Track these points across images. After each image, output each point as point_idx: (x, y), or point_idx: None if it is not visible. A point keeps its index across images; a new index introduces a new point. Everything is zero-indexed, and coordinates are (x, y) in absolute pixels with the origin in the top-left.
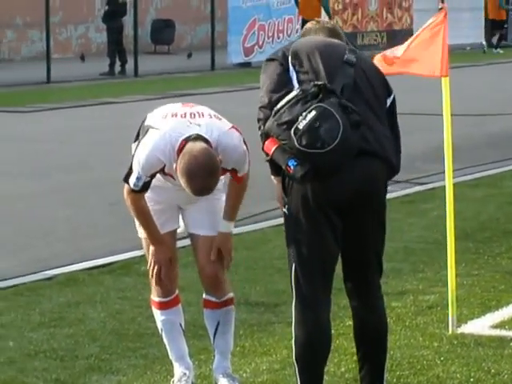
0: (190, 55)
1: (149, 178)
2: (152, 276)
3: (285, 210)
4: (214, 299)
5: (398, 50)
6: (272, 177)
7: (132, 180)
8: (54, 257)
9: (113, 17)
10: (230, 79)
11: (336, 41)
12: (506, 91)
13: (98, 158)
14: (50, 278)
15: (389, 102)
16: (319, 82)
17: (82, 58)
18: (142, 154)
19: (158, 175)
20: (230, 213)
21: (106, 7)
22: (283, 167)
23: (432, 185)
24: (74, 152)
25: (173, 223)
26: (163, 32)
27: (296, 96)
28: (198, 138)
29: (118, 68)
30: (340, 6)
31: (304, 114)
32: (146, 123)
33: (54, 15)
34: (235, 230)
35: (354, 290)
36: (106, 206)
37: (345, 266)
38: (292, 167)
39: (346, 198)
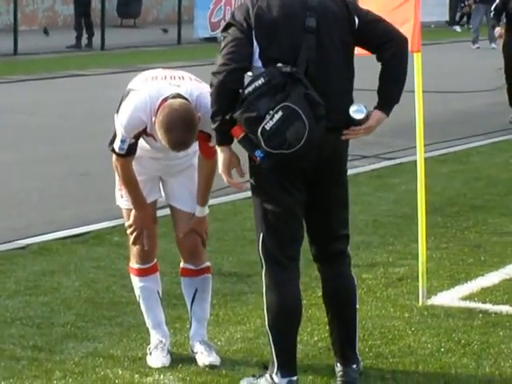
0: (165, 30)
1: (133, 140)
2: (134, 243)
3: (251, 180)
4: (191, 267)
5: None
6: (217, 146)
7: (117, 144)
8: (28, 227)
9: None
10: (196, 54)
11: None
12: (468, 69)
13: (66, 129)
14: (23, 248)
15: (356, 25)
16: (286, 70)
17: (46, 31)
18: (124, 116)
19: (141, 140)
20: (203, 198)
21: None
22: (248, 153)
23: (399, 160)
24: (43, 124)
25: (155, 193)
26: (130, 5)
27: (263, 85)
28: (178, 96)
29: (84, 41)
30: None
31: (271, 112)
32: (127, 88)
33: None
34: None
35: (320, 255)
36: (78, 176)
37: (310, 232)
38: (259, 158)
39: (311, 170)
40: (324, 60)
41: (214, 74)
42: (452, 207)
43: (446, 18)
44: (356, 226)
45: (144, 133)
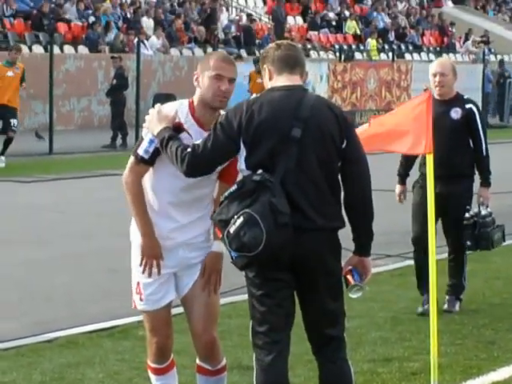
0: None
1: (159, 145)
2: (144, 271)
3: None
4: (208, 367)
5: (376, 126)
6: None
7: (143, 146)
8: (55, 320)
9: (117, 90)
10: None
11: (286, 102)
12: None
13: (98, 227)
14: (50, 341)
15: (343, 146)
16: (256, 178)
17: (38, 135)
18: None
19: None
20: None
21: (115, 81)
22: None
23: None
24: (75, 221)
25: (170, 295)
26: None
27: (235, 191)
28: None
29: (119, 141)
30: (339, 85)
31: (235, 217)
32: None
33: (58, 88)
34: (230, 299)
35: (313, 343)
36: (106, 272)
37: (304, 320)
38: (234, 258)
39: (293, 268)
40: (301, 170)
41: (191, 153)
42: (470, 305)
43: None
44: (375, 323)
45: (178, 129)
